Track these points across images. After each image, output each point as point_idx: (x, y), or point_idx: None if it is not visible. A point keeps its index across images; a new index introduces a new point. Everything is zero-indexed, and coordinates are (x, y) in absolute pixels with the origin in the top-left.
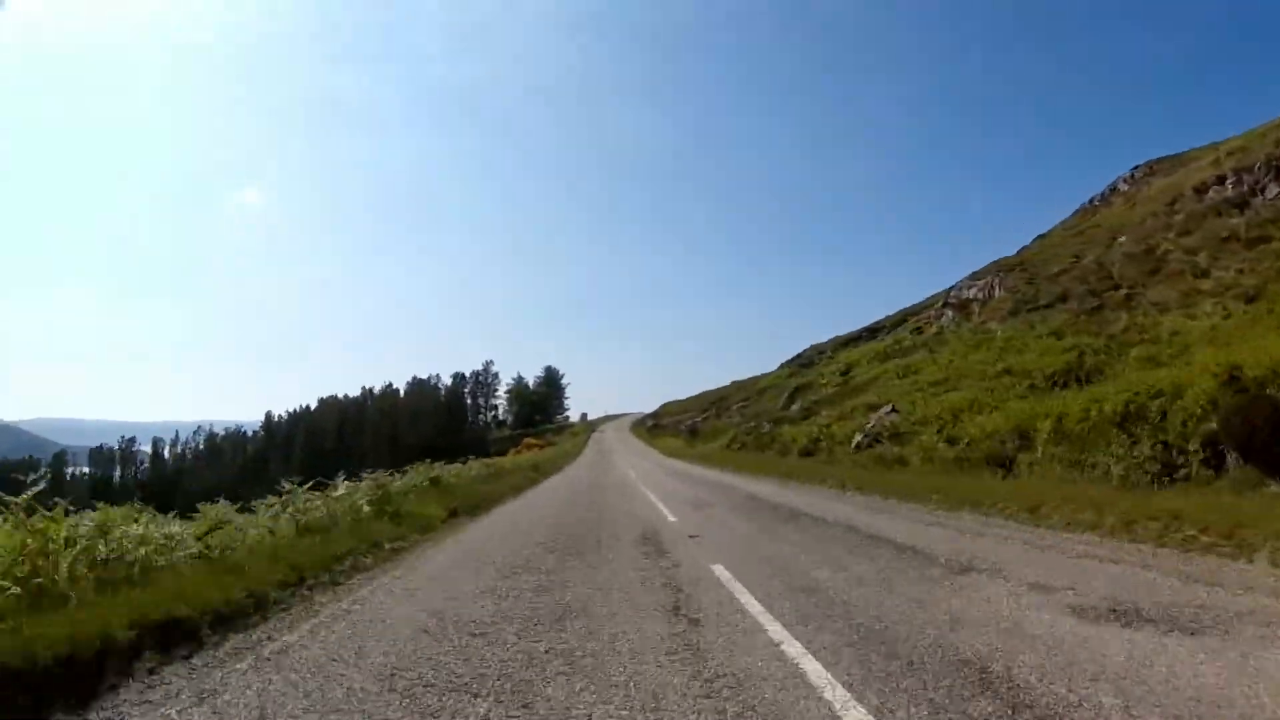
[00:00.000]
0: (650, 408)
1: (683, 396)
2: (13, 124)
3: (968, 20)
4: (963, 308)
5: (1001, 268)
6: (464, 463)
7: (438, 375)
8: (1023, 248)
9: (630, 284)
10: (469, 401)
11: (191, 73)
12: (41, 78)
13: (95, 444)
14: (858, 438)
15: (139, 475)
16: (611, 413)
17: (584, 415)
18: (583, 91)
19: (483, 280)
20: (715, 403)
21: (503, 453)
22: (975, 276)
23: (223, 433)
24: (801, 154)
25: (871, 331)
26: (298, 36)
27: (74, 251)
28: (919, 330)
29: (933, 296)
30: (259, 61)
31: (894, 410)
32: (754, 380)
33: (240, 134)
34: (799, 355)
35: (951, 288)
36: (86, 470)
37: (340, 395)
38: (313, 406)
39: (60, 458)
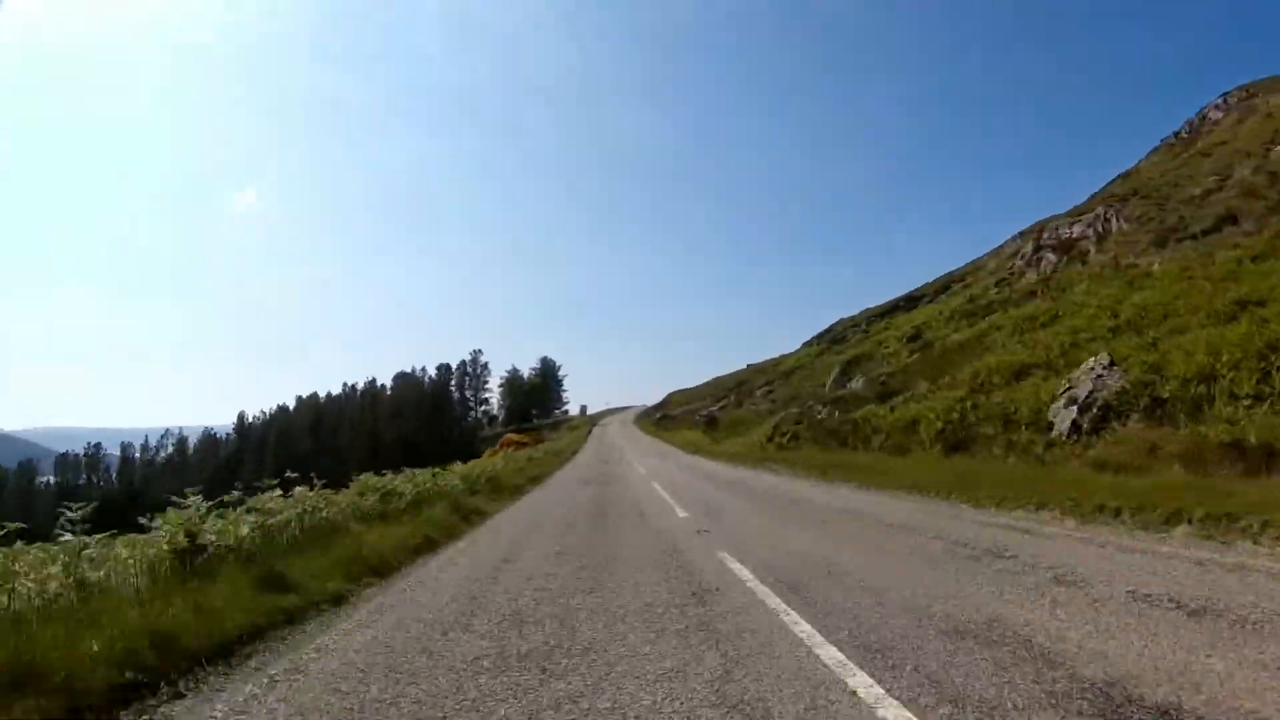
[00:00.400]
0: (652, 401)
1: (689, 385)
2: (13, 124)
3: (967, 20)
4: (1068, 248)
5: (1109, 200)
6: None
7: (423, 368)
8: (1105, 186)
9: (630, 284)
10: (456, 395)
11: (191, 73)
12: (41, 78)
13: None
14: (1069, 416)
15: (102, 483)
16: (613, 406)
17: (584, 408)
18: (583, 91)
19: (482, 280)
20: (733, 389)
21: (486, 453)
22: (1074, 214)
23: (198, 436)
24: (801, 154)
25: (911, 300)
26: (298, 37)
27: (74, 252)
28: (1004, 282)
29: (985, 255)
30: (259, 61)
31: (1110, 365)
32: (776, 362)
33: (240, 134)
34: (828, 330)
35: (1040, 229)
36: (53, 479)
37: (323, 394)
38: (291, 406)
39: (27, 467)
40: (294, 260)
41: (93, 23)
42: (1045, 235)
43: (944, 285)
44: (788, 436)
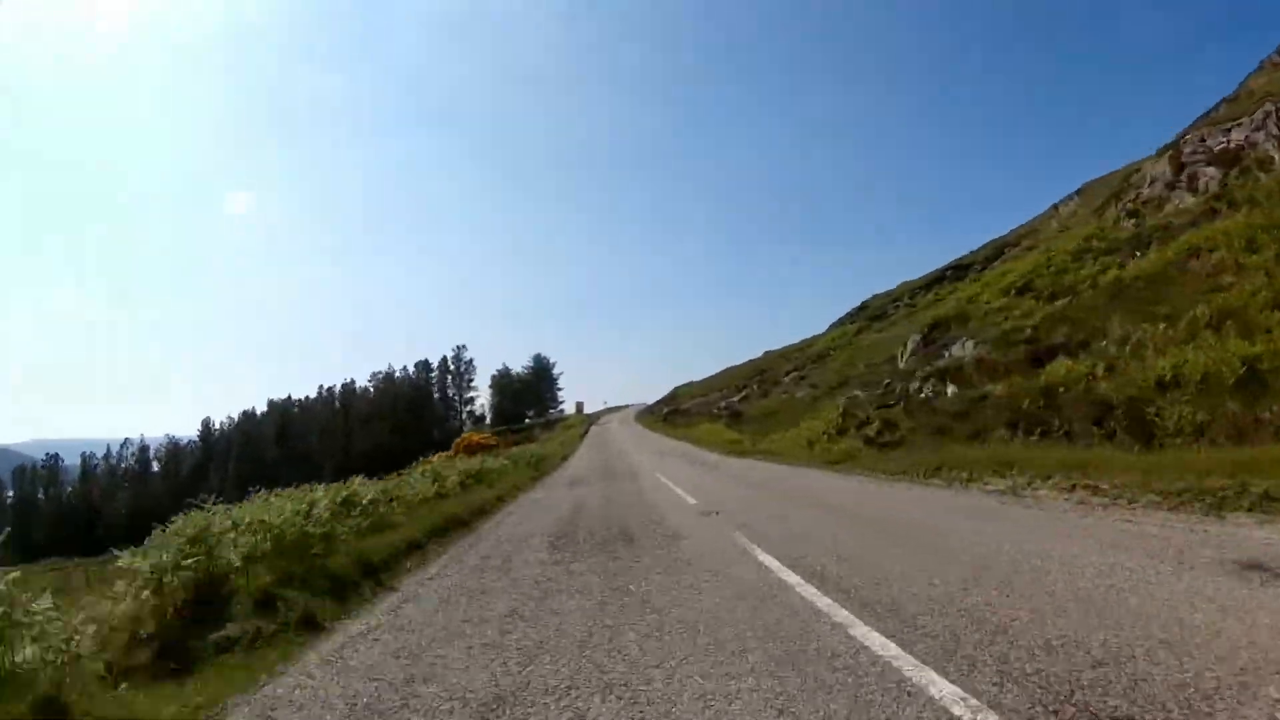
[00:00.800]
0: (652, 399)
1: (696, 379)
2: (12, 123)
3: (968, 19)
4: (1232, 160)
5: (1263, 100)
6: None
7: (404, 366)
8: (1209, 111)
9: (629, 281)
10: (438, 395)
11: (191, 72)
12: (42, 78)
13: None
14: None
15: (73, 498)
16: (610, 404)
17: (580, 405)
18: (584, 90)
19: (482, 280)
20: (752, 377)
21: (436, 458)
22: (1219, 121)
23: (161, 445)
24: (801, 153)
25: (959, 269)
26: (298, 37)
27: (72, 252)
28: (1135, 214)
29: (1040, 215)
30: (258, 61)
31: None
32: (803, 345)
33: (239, 134)
34: (862, 308)
35: (1178, 145)
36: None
37: (299, 396)
38: (259, 411)
39: None
40: (291, 260)
41: (92, 23)
42: (1189, 151)
43: (996, 251)
44: (875, 427)
